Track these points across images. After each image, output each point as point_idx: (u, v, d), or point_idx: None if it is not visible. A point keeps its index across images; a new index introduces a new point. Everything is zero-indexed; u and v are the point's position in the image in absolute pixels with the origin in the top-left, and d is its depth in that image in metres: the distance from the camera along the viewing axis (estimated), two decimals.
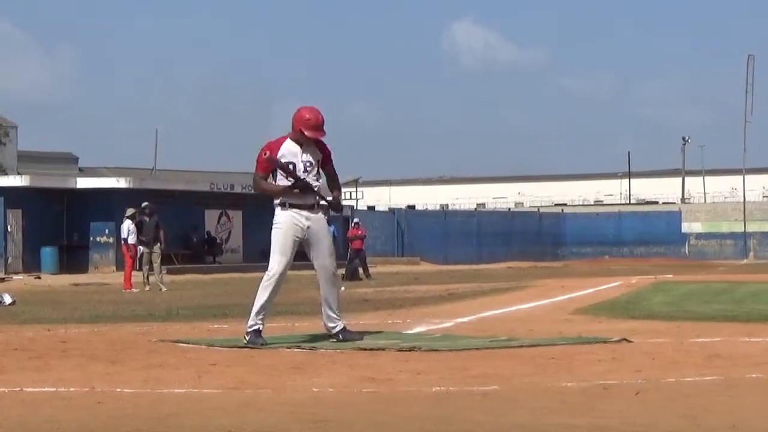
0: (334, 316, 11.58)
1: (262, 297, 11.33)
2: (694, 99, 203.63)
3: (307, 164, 11.42)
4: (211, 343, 11.66)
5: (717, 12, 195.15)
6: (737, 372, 8.86)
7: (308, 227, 11.41)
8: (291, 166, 11.36)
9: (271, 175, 11.51)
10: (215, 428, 6.56)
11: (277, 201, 11.47)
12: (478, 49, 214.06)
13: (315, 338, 11.74)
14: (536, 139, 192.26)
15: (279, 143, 11.45)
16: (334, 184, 11.82)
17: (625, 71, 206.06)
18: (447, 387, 8.10)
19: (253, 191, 12.05)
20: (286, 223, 11.39)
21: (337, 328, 11.55)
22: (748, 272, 40.83)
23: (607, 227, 77.13)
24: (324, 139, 11.57)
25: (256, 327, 11.24)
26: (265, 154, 11.42)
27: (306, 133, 11.37)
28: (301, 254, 11.69)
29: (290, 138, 11.45)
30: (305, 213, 11.41)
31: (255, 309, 11.31)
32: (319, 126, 11.43)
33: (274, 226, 11.46)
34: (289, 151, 11.40)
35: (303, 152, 11.42)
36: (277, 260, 11.36)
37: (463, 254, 64.99)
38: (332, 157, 11.65)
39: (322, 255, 11.54)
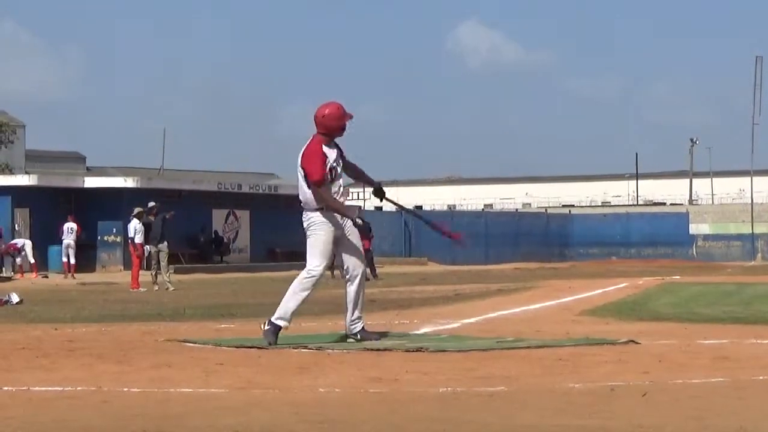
0: (357, 315, 11.58)
1: (299, 296, 11.35)
2: (702, 100, 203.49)
3: (338, 165, 11.49)
4: (218, 342, 11.67)
5: (725, 13, 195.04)
6: (745, 374, 8.85)
7: (344, 225, 11.48)
8: (333, 172, 11.38)
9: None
10: (222, 428, 6.56)
11: (315, 206, 11.43)
12: (485, 51, 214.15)
13: (322, 338, 11.75)
14: (544, 140, 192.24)
15: (320, 148, 11.36)
16: (361, 171, 11.88)
17: (632, 72, 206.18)
18: (454, 388, 8.10)
19: (318, 203, 11.49)
20: (327, 225, 11.39)
21: (357, 328, 11.56)
22: (756, 274, 40.76)
23: (615, 228, 76.95)
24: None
25: (282, 324, 11.24)
26: (325, 173, 11.36)
27: (346, 119, 11.46)
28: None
29: (325, 143, 11.44)
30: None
31: (290, 307, 11.33)
32: (343, 108, 11.53)
33: (314, 228, 11.40)
34: (332, 159, 11.42)
35: (337, 156, 11.48)
36: (319, 261, 11.37)
37: (470, 255, 64.86)
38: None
39: (353, 254, 11.58)
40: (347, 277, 11.61)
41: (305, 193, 11.45)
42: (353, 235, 11.58)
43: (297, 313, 11.46)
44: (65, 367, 9.54)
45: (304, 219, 11.51)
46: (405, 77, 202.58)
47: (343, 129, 11.51)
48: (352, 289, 11.57)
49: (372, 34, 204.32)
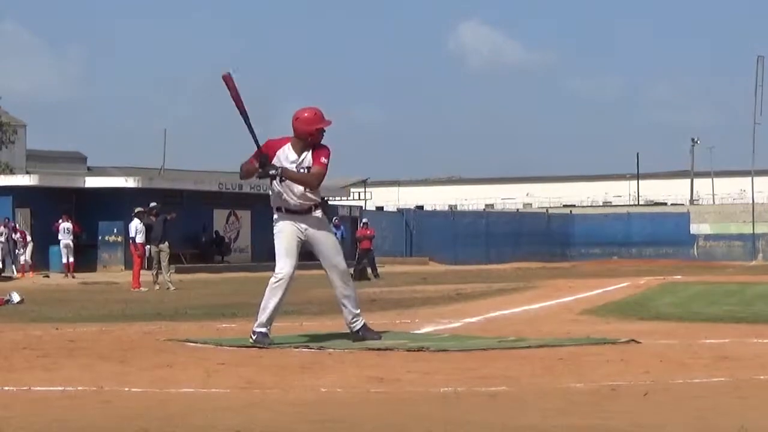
0: (355, 313, 11.56)
1: (272, 300, 11.29)
2: (704, 100, 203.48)
3: (302, 170, 11.35)
4: (220, 342, 11.66)
5: (727, 13, 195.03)
6: (745, 373, 8.85)
7: (306, 230, 11.39)
8: (280, 170, 11.31)
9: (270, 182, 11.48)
10: (223, 428, 6.56)
11: (274, 206, 11.46)
12: (486, 50, 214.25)
13: (323, 338, 11.74)
14: (545, 140, 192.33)
15: (279, 144, 11.38)
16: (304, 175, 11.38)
17: (633, 72, 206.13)
18: (455, 387, 8.10)
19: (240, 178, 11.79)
20: (286, 226, 11.37)
21: (358, 326, 11.55)
22: (757, 274, 40.77)
23: (616, 228, 76.98)
24: (331, 140, 11.55)
25: (263, 330, 11.22)
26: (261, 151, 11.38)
27: (320, 126, 11.34)
28: (309, 253, 11.68)
29: (291, 144, 11.39)
30: (300, 216, 11.40)
31: (265, 313, 11.27)
32: (322, 114, 11.43)
33: (274, 230, 11.45)
34: (285, 157, 11.32)
35: (302, 160, 11.36)
36: (283, 263, 11.33)
37: (471, 254, 64.92)
38: (328, 158, 11.42)
39: (330, 255, 11.51)
40: (330, 280, 11.58)
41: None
42: (321, 236, 11.48)
43: (277, 315, 11.45)
44: (66, 367, 9.54)
45: None
46: (406, 77, 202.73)
47: (312, 134, 11.35)
48: (339, 292, 11.55)
49: (373, 34, 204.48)
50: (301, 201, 11.38)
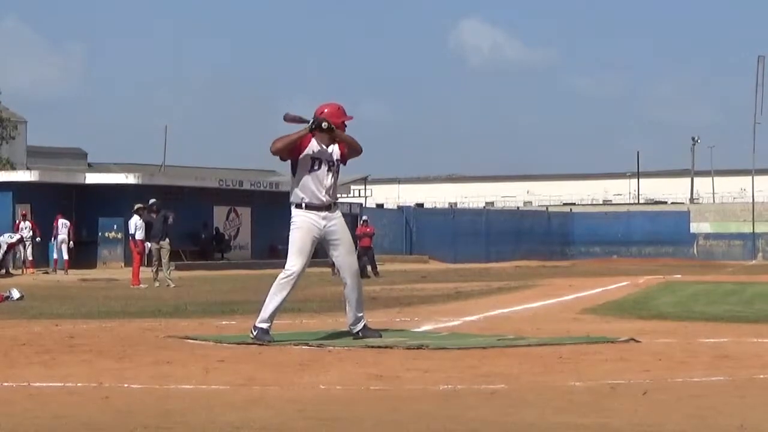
0: (358, 316, 11.56)
1: (277, 297, 11.30)
2: (704, 99, 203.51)
3: (331, 163, 11.43)
4: (219, 339, 11.67)
5: (728, 12, 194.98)
6: (745, 373, 8.86)
7: (325, 226, 11.40)
8: (317, 163, 11.37)
9: (291, 170, 11.51)
10: (222, 424, 6.56)
11: (294, 201, 11.46)
12: (487, 49, 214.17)
13: (323, 335, 11.75)
14: (545, 138, 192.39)
15: (308, 139, 11.43)
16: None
17: (634, 71, 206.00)
18: (454, 385, 8.10)
19: (273, 152, 11.47)
20: (304, 223, 11.36)
21: (358, 327, 11.54)
22: (757, 273, 40.80)
23: (616, 227, 77.03)
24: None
25: (264, 326, 11.23)
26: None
27: (344, 119, 11.50)
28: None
29: (317, 139, 11.42)
30: (323, 213, 11.40)
31: (269, 309, 11.28)
32: (343, 109, 11.58)
33: (291, 226, 11.43)
34: (316, 149, 11.39)
35: (331, 153, 11.44)
36: (295, 260, 11.34)
37: (471, 253, 64.92)
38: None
39: (344, 253, 11.52)
40: (341, 278, 11.60)
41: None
42: (340, 234, 11.51)
43: (279, 312, 11.47)
44: (66, 363, 9.54)
45: None
46: (407, 75, 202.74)
47: (338, 127, 11.46)
48: (347, 291, 11.55)
49: (374, 33, 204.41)
50: (328, 196, 11.41)
